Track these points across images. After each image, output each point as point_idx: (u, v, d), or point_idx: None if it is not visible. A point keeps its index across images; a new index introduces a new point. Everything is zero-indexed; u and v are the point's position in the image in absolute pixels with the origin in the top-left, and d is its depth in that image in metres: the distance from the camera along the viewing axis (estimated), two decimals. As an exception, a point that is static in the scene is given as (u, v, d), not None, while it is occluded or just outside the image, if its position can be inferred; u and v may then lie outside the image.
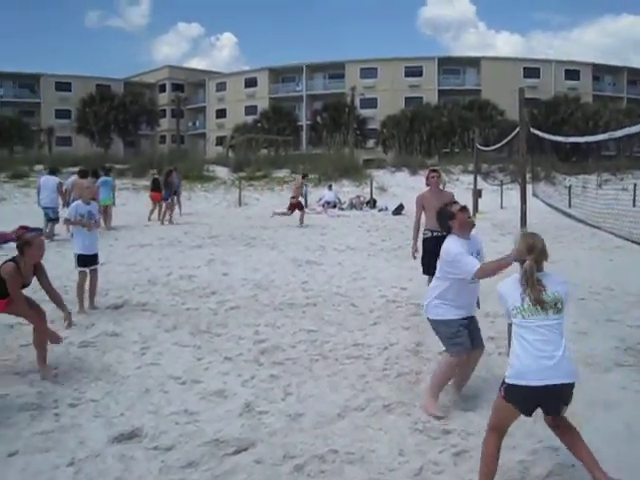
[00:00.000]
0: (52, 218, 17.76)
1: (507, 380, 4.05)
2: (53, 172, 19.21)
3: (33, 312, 6.60)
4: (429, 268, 8.50)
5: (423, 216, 9.68)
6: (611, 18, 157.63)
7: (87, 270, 9.47)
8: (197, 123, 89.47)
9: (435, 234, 9.00)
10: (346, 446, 4.87)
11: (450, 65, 77.70)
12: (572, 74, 76.30)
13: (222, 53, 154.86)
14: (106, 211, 20.28)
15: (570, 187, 27.94)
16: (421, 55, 78.00)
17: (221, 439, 4.98)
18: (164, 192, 23.02)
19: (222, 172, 39.26)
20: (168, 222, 22.47)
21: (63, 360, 7.00)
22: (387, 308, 9.69)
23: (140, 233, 19.11)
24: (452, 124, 56.81)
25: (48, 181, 18.27)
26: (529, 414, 4.16)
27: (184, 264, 13.47)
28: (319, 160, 41.22)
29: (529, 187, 14.32)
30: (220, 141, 74.02)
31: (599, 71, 78.72)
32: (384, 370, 6.74)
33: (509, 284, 4.24)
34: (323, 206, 29.27)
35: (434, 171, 9.92)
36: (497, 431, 4.20)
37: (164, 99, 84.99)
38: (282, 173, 39.03)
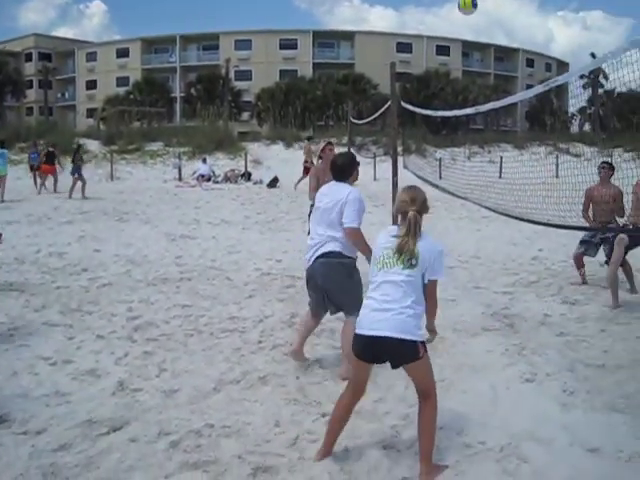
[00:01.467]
0: None
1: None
2: None
3: None
4: None
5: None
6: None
7: None
8: (66, 94, 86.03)
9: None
10: (222, 420, 4.89)
11: (325, 38, 78.06)
12: (443, 50, 78.34)
13: (92, 22, 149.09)
14: (0, 182, 20.91)
15: (440, 159, 28.79)
16: (296, 28, 78.00)
17: (94, 419, 4.88)
18: (72, 167, 22.58)
19: (93, 145, 38.00)
20: (82, 196, 21.85)
21: None
22: (262, 281, 9.74)
23: (5, 210, 18.31)
24: (327, 97, 57.30)
25: None
26: (370, 362, 4.23)
27: (54, 241, 13.02)
28: (193, 133, 40.61)
29: (400, 159, 14.64)
30: (91, 113, 71.37)
31: (468, 48, 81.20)
32: (259, 343, 6.79)
33: (381, 232, 4.32)
34: (197, 179, 28.88)
35: (330, 143, 9.50)
36: (349, 386, 4.34)
37: (30, 69, 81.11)
38: (155, 146, 38.22)
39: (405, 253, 4.05)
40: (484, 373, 5.81)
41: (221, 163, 34.47)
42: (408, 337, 3.96)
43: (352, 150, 22.05)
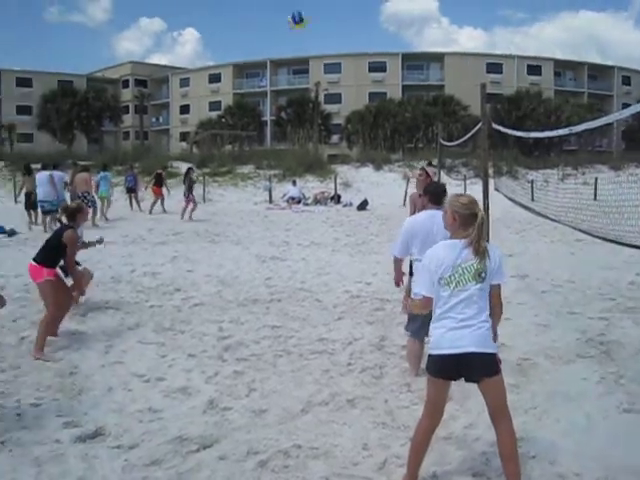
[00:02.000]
0: (47, 211, 18.79)
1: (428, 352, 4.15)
2: (45, 167, 19.95)
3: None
4: None
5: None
6: (570, 14, 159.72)
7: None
8: (161, 119, 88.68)
9: None
10: (310, 441, 4.89)
11: (414, 61, 77.89)
12: (534, 69, 76.97)
13: (185, 49, 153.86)
14: (104, 204, 22.69)
15: (532, 181, 28.23)
16: (385, 51, 78.15)
17: (185, 436, 4.97)
18: (184, 189, 23.55)
19: (186, 168, 38.96)
20: (188, 218, 22.71)
21: (26, 359, 6.92)
22: (351, 303, 9.72)
23: (102, 230, 18.93)
24: (416, 119, 57.00)
25: (42, 176, 19.10)
26: (449, 380, 4.17)
27: (148, 261, 13.37)
28: (283, 156, 41.12)
29: (491, 182, 14.44)
30: (184, 137, 73.55)
31: (560, 66, 79.52)
32: (348, 365, 6.77)
33: (439, 252, 4.17)
34: (287, 202, 29.23)
35: (422, 169, 9.12)
36: (427, 409, 4.24)
37: (127, 95, 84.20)
38: (246, 169, 38.86)
39: (480, 255, 4.01)
40: (579, 402, 5.62)
41: (311, 185, 34.75)
42: (490, 350, 3.99)
43: (442, 172, 21.90)
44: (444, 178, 27.64)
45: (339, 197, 31.29)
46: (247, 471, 4.46)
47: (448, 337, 4.00)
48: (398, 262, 6.55)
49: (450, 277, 4.07)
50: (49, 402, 5.72)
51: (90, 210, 19.31)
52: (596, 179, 27.33)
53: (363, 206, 27.72)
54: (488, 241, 4.01)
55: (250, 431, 5.10)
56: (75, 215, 7.91)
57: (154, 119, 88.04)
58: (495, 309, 4.18)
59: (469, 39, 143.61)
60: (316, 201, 30.47)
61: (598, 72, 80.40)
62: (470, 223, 4.07)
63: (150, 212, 25.41)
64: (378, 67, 76.42)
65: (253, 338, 7.77)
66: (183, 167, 37.54)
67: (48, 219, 18.88)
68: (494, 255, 4.09)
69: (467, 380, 4.13)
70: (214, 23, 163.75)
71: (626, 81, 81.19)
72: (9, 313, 8.52)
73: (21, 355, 7.10)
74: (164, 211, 25.71)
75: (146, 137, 76.57)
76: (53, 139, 65.16)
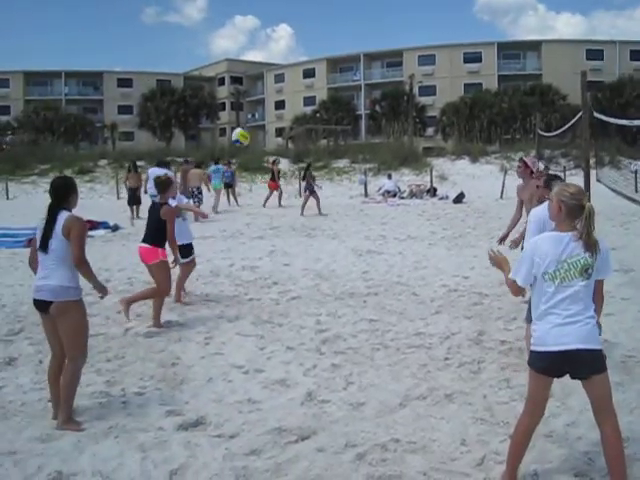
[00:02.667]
0: None
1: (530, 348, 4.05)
2: (159, 165, 20.96)
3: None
4: None
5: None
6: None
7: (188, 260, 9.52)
8: (256, 115, 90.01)
9: None
10: (408, 435, 4.88)
11: (510, 50, 76.26)
12: (638, 54, 73.93)
13: (279, 45, 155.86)
14: (220, 194, 24.77)
15: (636, 172, 27.26)
16: (480, 40, 76.81)
17: (283, 427, 5.04)
18: (305, 184, 24.10)
19: (282, 163, 39.42)
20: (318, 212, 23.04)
21: (130, 350, 7.18)
22: (449, 297, 9.64)
23: (202, 225, 19.35)
24: (513, 110, 55.96)
25: (153, 172, 19.68)
26: (553, 377, 4.05)
27: (246, 255, 13.61)
28: (378, 149, 41.07)
29: (593, 172, 14.05)
30: (279, 132, 74.42)
31: (667, 50, 76.29)
32: (446, 359, 6.72)
33: (546, 244, 4.01)
34: (383, 195, 29.15)
35: (520, 160, 8.79)
36: (528, 406, 4.14)
37: (223, 92, 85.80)
38: (342, 163, 39.01)
39: (592, 249, 3.86)
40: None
41: (406, 179, 34.56)
42: (597, 347, 3.88)
43: (541, 163, 21.40)
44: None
45: (435, 190, 30.97)
46: (345, 463, 4.49)
47: (554, 333, 3.89)
48: None
49: (555, 272, 3.92)
50: (152, 391, 5.92)
51: (197, 204, 20.70)
52: None
53: (459, 199, 27.36)
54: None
55: (348, 424, 5.12)
56: (165, 187, 8.27)
57: (250, 115, 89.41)
58: (597, 303, 4.05)
59: (567, 25, 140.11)
60: (412, 194, 30.25)
61: None
62: (577, 215, 3.92)
63: (264, 205, 26.13)
64: (473, 57, 75.22)
65: (350, 331, 7.81)
66: (280, 162, 38.07)
67: None
68: (603, 249, 3.94)
69: (572, 377, 4.02)
70: (307, 18, 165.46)
71: None
72: (114, 305, 8.83)
73: (125, 345, 7.37)
74: (280, 205, 26.32)
75: (243, 133, 77.66)
76: (153, 137, 67.06)
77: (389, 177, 31.65)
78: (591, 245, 3.87)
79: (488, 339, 7.38)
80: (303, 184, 25.50)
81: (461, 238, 16.00)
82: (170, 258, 8.27)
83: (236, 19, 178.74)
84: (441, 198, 29.14)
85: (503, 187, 28.03)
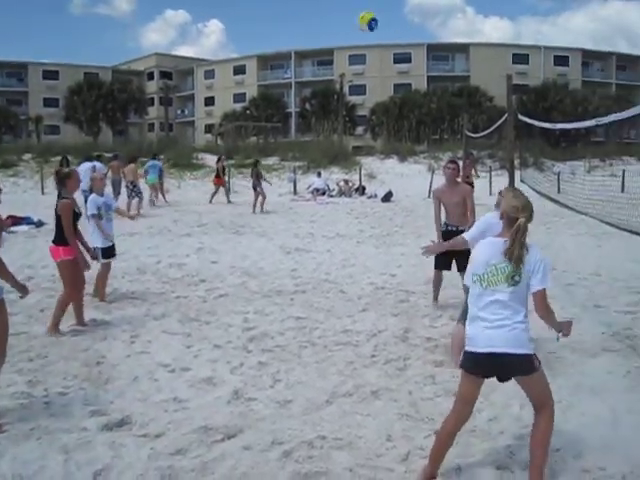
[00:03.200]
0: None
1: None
2: (88, 159, 21.62)
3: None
4: (443, 264, 8.50)
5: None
6: (599, 3, 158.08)
7: (111, 261, 9.43)
8: (186, 111, 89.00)
9: (450, 228, 8.57)
10: (334, 432, 4.91)
11: (439, 51, 77.45)
12: (561, 60, 76.13)
13: (210, 40, 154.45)
14: (155, 189, 25.06)
15: (559, 173, 27.98)
16: (410, 42, 77.71)
17: (209, 426, 5.00)
18: (253, 181, 23.91)
19: (211, 160, 39.04)
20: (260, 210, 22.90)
21: (53, 349, 7.01)
22: (376, 295, 9.73)
23: (127, 222, 19.06)
24: (441, 110, 56.84)
25: (84, 167, 20.05)
26: (482, 377, 4.12)
27: (173, 252, 13.46)
28: (308, 147, 41.17)
29: (517, 173, 14.36)
30: (209, 129, 73.82)
31: (588, 57, 78.53)
32: (372, 357, 6.78)
33: (480, 247, 4.18)
34: (312, 193, 29.23)
35: (452, 162, 8.95)
36: (457, 405, 4.21)
37: (152, 87, 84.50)
38: (271, 160, 38.94)
39: (513, 261, 3.94)
40: (604, 395, 5.58)
41: (335, 177, 34.72)
42: (524, 351, 3.94)
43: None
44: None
45: (364, 189, 31.23)
46: (271, 461, 4.49)
47: (484, 336, 3.98)
48: None
49: (483, 275, 4.04)
50: (76, 391, 5.79)
51: (135, 200, 21.13)
52: (624, 171, 27.09)
53: (388, 198, 27.66)
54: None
55: (275, 422, 5.12)
56: (64, 181, 7.67)
57: (179, 111, 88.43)
58: (543, 315, 4.12)
59: (495, 29, 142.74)
60: (341, 193, 30.44)
61: (627, 62, 79.28)
62: (511, 223, 4.04)
63: (210, 202, 26.09)
64: (403, 58, 76.09)
65: (278, 329, 7.81)
66: (208, 159, 37.80)
67: None
68: (534, 260, 4.00)
69: (500, 379, 4.13)
70: (238, 15, 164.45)
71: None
72: (37, 302, 8.65)
73: (48, 345, 7.18)
74: (229, 202, 26.34)
75: (171, 129, 76.85)
76: (79, 131, 65.67)
77: (318, 175, 31.77)
78: (513, 257, 3.95)
79: (414, 336, 7.48)
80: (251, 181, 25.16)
81: (389, 236, 16.18)
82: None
83: (167, 13, 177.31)
84: (370, 197, 29.41)
85: (431, 186, 28.41)
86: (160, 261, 12.43)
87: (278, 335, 7.58)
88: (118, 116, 69.10)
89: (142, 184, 23.00)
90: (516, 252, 3.94)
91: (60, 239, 7.61)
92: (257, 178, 23.55)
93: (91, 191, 9.33)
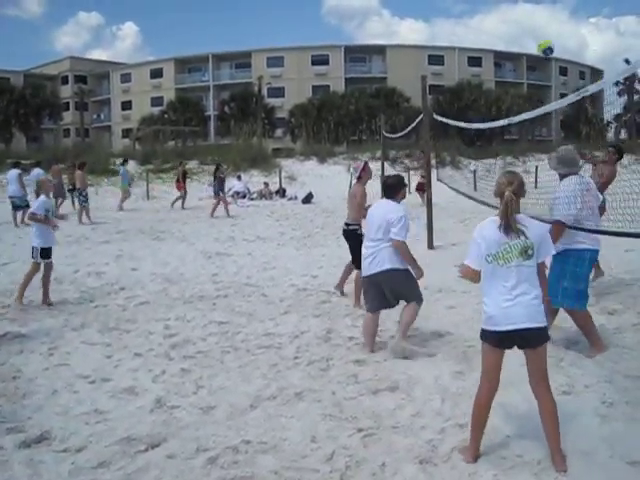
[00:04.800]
0: (17, 206, 20.12)
1: (482, 325, 4.37)
2: (15, 165, 21.75)
3: None
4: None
5: None
6: (508, 6, 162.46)
7: (43, 262, 9.49)
8: (102, 115, 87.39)
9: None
10: (259, 436, 4.91)
11: (356, 53, 78.24)
12: (475, 61, 78.06)
13: (125, 43, 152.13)
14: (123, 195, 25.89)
15: (475, 171, 28.60)
16: (327, 43, 78.26)
17: (132, 436, 4.93)
18: (215, 186, 23.49)
19: (129, 165, 38.46)
20: (226, 215, 22.43)
21: (-35, 364, 6.79)
22: (297, 297, 9.77)
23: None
24: (359, 112, 57.45)
25: (12, 174, 20.76)
26: (505, 348, 4.40)
27: (92, 261, 13.18)
28: (228, 150, 40.94)
29: (434, 172, 14.62)
30: (126, 134, 72.71)
31: (500, 58, 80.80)
32: (295, 358, 6.80)
33: (487, 228, 4.38)
34: (232, 196, 29.11)
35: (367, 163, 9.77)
36: (485, 377, 4.46)
37: (67, 91, 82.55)
38: (191, 164, 38.56)
39: (513, 231, 4.22)
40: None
41: (255, 180, 34.65)
42: (542, 324, 4.25)
43: (386, 164, 22.12)
44: (388, 170, 27.90)
45: (284, 191, 31.30)
46: (196, 468, 4.46)
47: (504, 314, 4.22)
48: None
49: (497, 253, 4.26)
50: (-9, 408, 5.62)
51: (82, 207, 21.06)
52: (536, 167, 27.83)
53: (308, 199, 27.81)
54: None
55: (198, 428, 5.08)
56: None
57: (95, 116, 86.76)
58: (542, 282, 4.38)
59: (410, 31, 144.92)
60: (261, 195, 30.42)
61: (536, 63, 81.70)
62: (502, 199, 4.32)
63: (172, 206, 26.41)
64: (321, 60, 76.58)
65: (200, 335, 7.75)
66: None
67: (19, 214, 19.81)
68: (540, 232, 4.35)
69: (520, 347, 4.37)
70: (154, 17, 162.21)
71: (563, 72, 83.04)
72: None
73: (-38, 360, 6.96)
74: (183, 208, 26.08)
75: (87, 134, 75.45)
76: (-10, 138, 63.71)
77: (238, 178, 31.70)
78: (510, 229, 4.22)
79: (336, 336, 7.54)
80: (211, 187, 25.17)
81: (310, 238, 16.25)
82: None
83: (79, 15, 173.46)
84: (290, 199, 29.52)
85: (350, 187, 28.61)
86: (78, 270, 12.15)
87: (200, 341, 7.52)
88: (31, 122, 67.03)
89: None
90: (511, 224, 4.22)
91: None
92: (220, 182, 23.11)
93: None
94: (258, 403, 5.58)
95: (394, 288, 6.81)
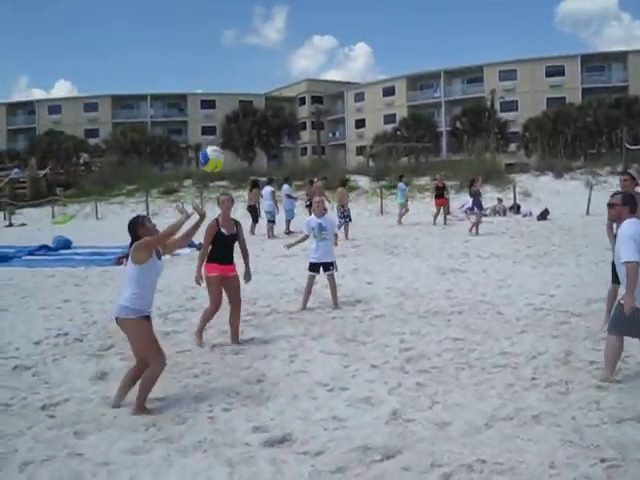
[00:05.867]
0: (270, 220, 22.89)
1: None
2: (269, 182, 24.73)
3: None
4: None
5: None
6: None
7: (315, 274, 10.44)
8: (337, 134, 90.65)
9: None
10: (494, 456, 4.81)
11: (594, 62, 74.74)
12: None
13: (357, 63, 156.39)
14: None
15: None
16: (562, 54, 75.55)
17: (368, 445, 5.04)
18: (472, 201, 23.41)
19: (363, 181, 39.52)
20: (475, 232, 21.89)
21: (216, 366, 7.32)
22: (534, 316, 9.46)
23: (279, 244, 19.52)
24: (598, 124, 54.73)
25: (266, 190, 23.46)
26: None
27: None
28: (460, 166, 40.65)
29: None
30: (360, 151, 74.68)
31: None
32: (532, 379, 6.60)
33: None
34: (466, 212, 28.85)
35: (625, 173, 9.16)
36: None
37: (304, 112, 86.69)
38: (423, 181, 38.74)
39: None
40: None
41: (489, 196, 34.08)
42: None
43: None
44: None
45: (518, 207, 30.49)
46: (430, 483, 4.47)
47: None
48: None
49: None
50: (239, 407, 6.01)
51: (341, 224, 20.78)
52: None
53: (544, 216, 26.87)
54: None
55: (433, 443, 5.09)
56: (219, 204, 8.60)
57: (330, 134, 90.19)
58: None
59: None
60: (495, 211, 29.88)
61: None
62: None
63: (434, 223, 25.48)
64: (555, 71, 74.20)
65: (435, 350, 7.76)
66: (361, 180, 38.15)
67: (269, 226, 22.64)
68: None
69: None
70: (385, 36, 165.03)
71: None
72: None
73: (211, 362, 7.51)
74: (445, 223, 25.80)
75: (323, 152, 78.40)
76: (235, 157, 68.07)
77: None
78: None
79: (576, 359, 7.22)
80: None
81: (546, 256, 15.70)
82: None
83: (314, 39, 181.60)
84: (525, 215, 28.68)
85: (589, 203, 27.38)
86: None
87: (435, 356, 7.53)
88: (272, 141, 71.40)
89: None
90: None
91: (209, 257, 8.33)
92: (477, 198, 22.86)
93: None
94: (494, 422, 5.48)
95: None
